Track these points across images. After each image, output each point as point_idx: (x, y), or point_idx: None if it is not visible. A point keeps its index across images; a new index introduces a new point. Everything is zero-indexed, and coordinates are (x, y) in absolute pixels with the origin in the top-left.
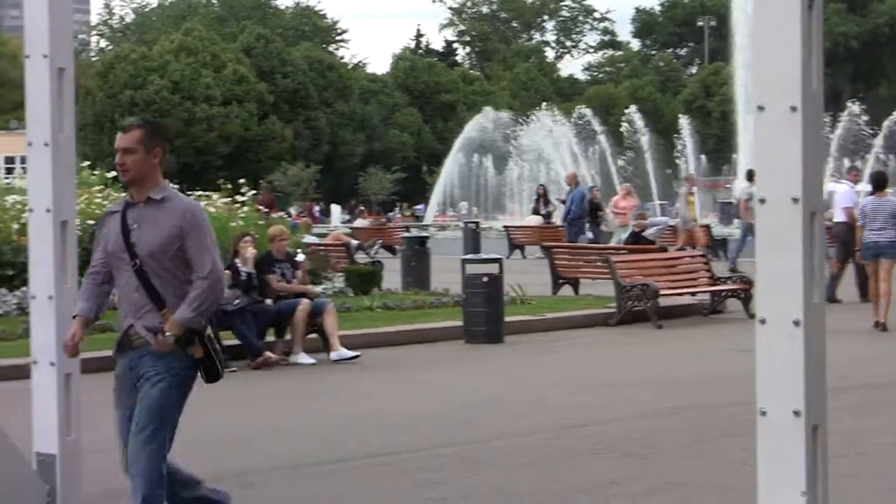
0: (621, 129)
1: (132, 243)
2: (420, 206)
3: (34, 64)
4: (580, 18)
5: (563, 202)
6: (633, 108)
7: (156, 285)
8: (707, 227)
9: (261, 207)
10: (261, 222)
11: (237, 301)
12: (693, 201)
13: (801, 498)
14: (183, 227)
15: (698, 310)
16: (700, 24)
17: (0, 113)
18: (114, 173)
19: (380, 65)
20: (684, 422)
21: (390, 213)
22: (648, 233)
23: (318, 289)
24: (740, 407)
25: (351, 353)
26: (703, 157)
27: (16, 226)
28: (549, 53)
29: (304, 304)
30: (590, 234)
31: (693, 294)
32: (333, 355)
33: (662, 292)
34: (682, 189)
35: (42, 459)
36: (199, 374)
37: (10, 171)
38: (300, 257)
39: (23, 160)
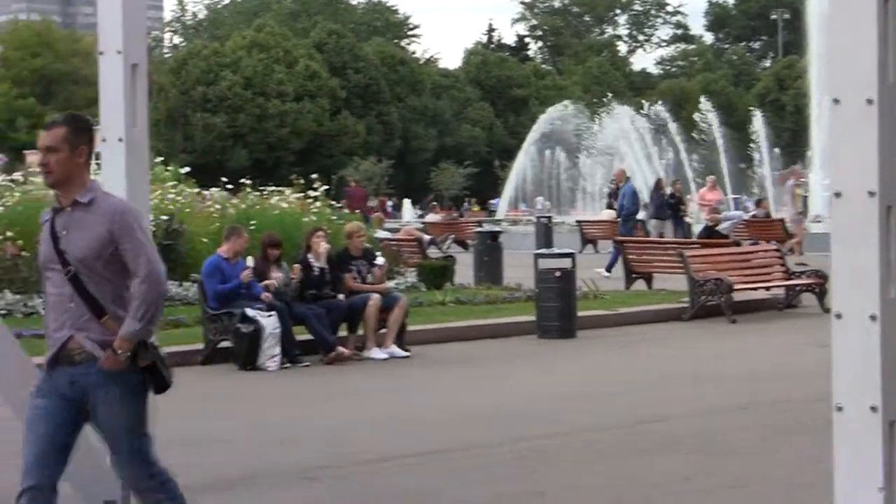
0: (694, 124)
1: (62, 251)
2: (495, 201)
3: (108, 60)
4: (653, 12)
5: (613, 197)
6: (704, 101)
7: (93, 293)
8: (781, 222)
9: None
10: (333, 217)
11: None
12: (800, 194)
13: (878, 494)
14: (113, 231)
15: (773, 304)
16: (773, 16)
17: (74, 109)
18: (187, 169)
19: (452, 60)
20: (758, 417)
21: (463, 208)
22: (722, 227)
23: (392, 283)
24: (815, 403)
25: (402, 353)
26: (776, 150)
27: None
28: (622, 47)
29: (375, 298)
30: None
31: (767, 289)
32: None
33: (736, 287)
34: (789, 182)
35: None
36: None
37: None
38: (380, 260)
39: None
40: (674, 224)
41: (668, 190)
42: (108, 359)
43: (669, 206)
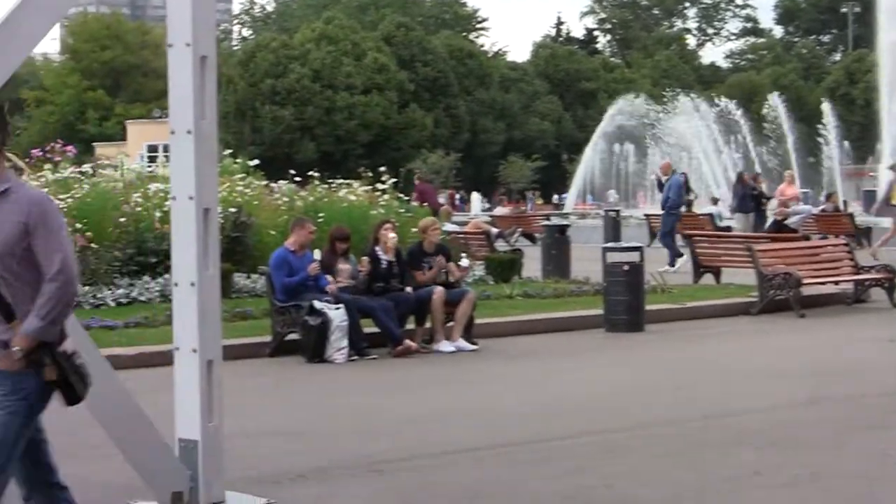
0: (763, 117)
1: None
2: (563, 196)
3: (177, 52)
4: (722, 5)
5: (659, 189)
6: (775, 95)
7: (3, 294)
8: (851, 216)
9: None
10: (401, 210)
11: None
12: None
13: None
14: (28, 224)
15: (841, 299)
16: (844, 10)
17: (143, 102)
18: (255, 161)
19: (520, 53)
20: (828, 412)
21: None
22: (791, 221)
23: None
24: (886, 398)
25: (469, 346)
26: (846, 144)
27: (158, 213)
28: (691, 41)
29: (439, 291)
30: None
31: (836, 283)
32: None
33: (805, 281)
34: (891, 176)
35: (184, 445)
36: (51, 396)
37: (152, 159)
38: (464, 262)
39: (165, 148)
40: (756, 217)
41: (751, 183)
42: (3, 358)
43: (752, 200)
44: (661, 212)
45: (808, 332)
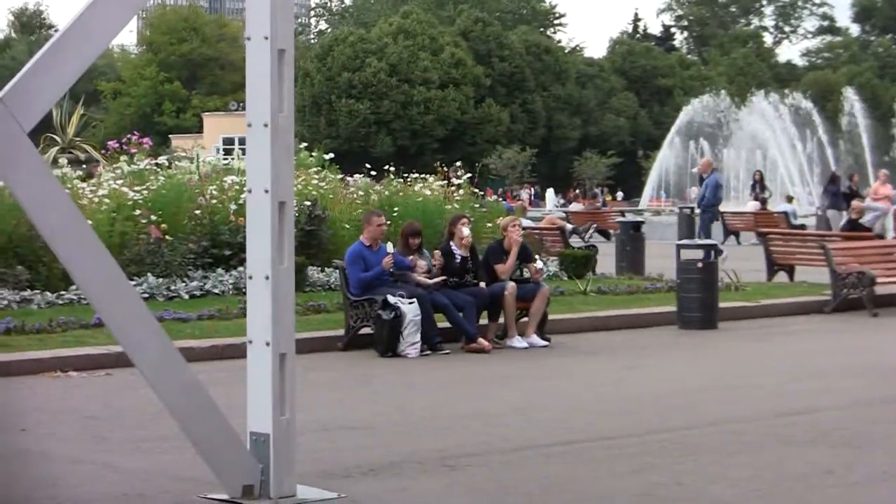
0: (839, 115)
1: None
2: (643, 196)
3: (255, 45)
4: (799, 3)
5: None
6: (850, 91)
7: None
8: None
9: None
10: (476, 205)
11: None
12: None
13: None
14: None
15: None
16: None
17: (219, 94)
18: (331, 155)
19: (597, 49)
20: None
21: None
22: (866, 220)
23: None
24: None
25: (541, 342)
26: None
27: (233, 206)
28: (767, 38)
29: (511, 286)
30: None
31: None
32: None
33: (879, 280)
34: None
35: (256, 438)
36: None
37: (228, 151)
38: (538, 264)
39: (241, 141)
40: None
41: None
42: None
43: (846, 198)
44: (737, 209)
45: (881, 331)
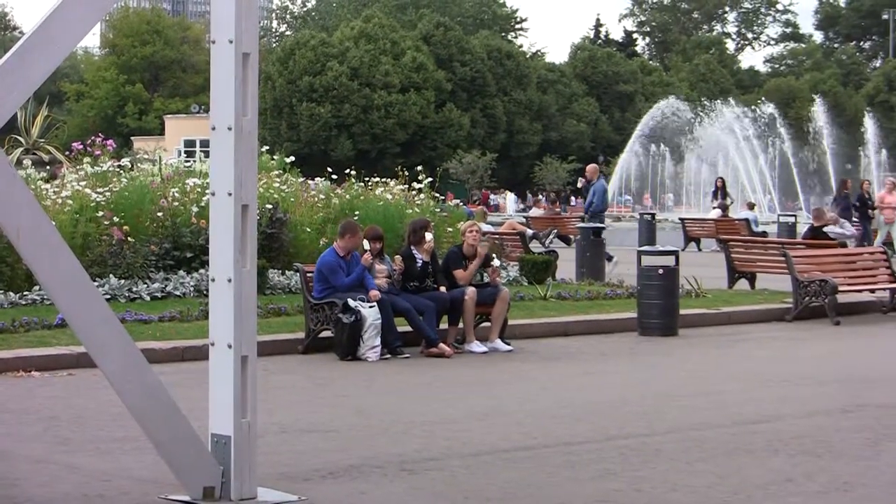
0: (802, 123)
1: None
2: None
3: (220, 49)
4: (762, 10)
5: (579, 194)
6: (818, 100)
7: None
8: None
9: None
10: (437, 210)
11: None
12: None
13: None
14: None
15: (877, 307)
16: (885, 16)
17: (181, 97)
18: (292, 158)
19: (558, 54)
20: (863, 421)
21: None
22: (831, 231)
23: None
24: None
25: (505, 347)
26: (884, 151)
27: (195, 208)
28: (730, 45)
29: (470, 291)
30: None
31: (872, 291)
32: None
33: (841, 288)
34: None
35: (217, 440)
36: None
37: (190, 154)
38: (495, 262)
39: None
40: (862, 226)
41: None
42: None
43: (857, 209)
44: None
45: (843, 339)
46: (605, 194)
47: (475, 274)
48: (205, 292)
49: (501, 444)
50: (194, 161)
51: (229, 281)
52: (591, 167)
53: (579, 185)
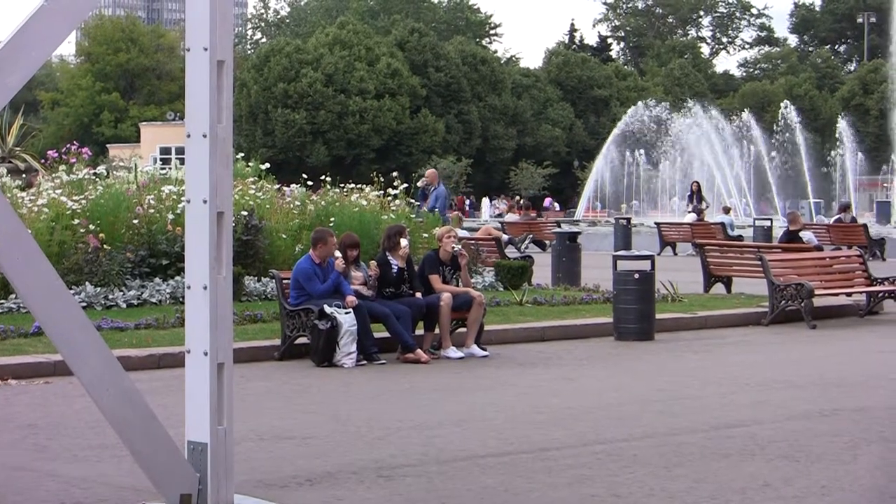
0: (776, 127)
1: None
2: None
3: (194, 56)
4: (737, 14)
5: (414, 198)
6: (788, 105)
7: None
8: (865, 227)
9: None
10: (412, 216)
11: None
12: None
13: None
14: None
15: (854, 311)
16: (860, 20)
17: (156, 104)
18: (267, 165)
19: (533, 59)
20: (840, 425)
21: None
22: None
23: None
24: None
25: (481, 352)
26: (860, 155)
27: (171, 216)
28: (705, 49)
29: (446, 297)
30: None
31: (849, 294)
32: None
33: (817, 292)
34: None
35: (193, 447)
36: None
37: (165, 161)
38: (456, 247)
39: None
40: None
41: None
42: None
43: None
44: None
45: (819, 343)
46: (447, 199)
47: (448, 279)
48: (181, 299)
49: (478, 450)
50: (170, 168)
51: (205, 288)
52: (430, 172)
53: (419, 184)
